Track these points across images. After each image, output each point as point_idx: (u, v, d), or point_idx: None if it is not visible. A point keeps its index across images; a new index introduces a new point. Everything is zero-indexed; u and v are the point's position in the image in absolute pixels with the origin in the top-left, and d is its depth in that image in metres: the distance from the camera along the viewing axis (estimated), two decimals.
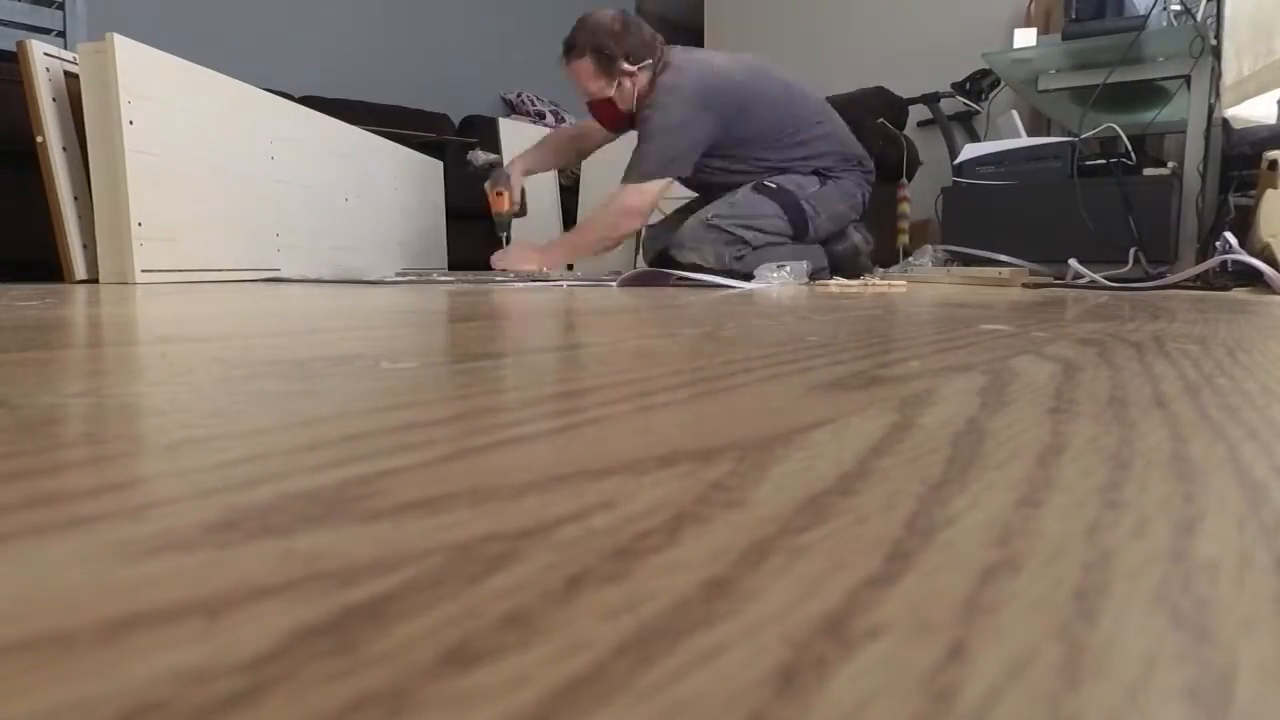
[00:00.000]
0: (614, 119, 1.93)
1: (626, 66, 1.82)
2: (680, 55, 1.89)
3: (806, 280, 1.73)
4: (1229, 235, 1.52)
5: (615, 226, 1.86)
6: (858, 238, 2.05)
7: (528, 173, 2.13)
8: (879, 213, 2.88)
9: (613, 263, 2.34)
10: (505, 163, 2.35)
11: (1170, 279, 1.57)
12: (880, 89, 3.07)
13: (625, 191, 1.83)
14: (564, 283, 1.57)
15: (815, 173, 1.95)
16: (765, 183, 1.88)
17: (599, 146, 2.15)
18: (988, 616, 0.11)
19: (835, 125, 2.03)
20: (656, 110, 1.80)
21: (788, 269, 1.65)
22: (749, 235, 1.83)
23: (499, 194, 2.04)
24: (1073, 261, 1.62)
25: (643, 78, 1.85)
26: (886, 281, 1.71)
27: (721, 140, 1.86)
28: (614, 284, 1.53)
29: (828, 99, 3.00)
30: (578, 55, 1.84)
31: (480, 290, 1.25)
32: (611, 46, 1.82)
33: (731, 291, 1.32)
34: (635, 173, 1.82)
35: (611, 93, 1.86)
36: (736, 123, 1.86)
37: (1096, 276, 1.61)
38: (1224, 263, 1.49)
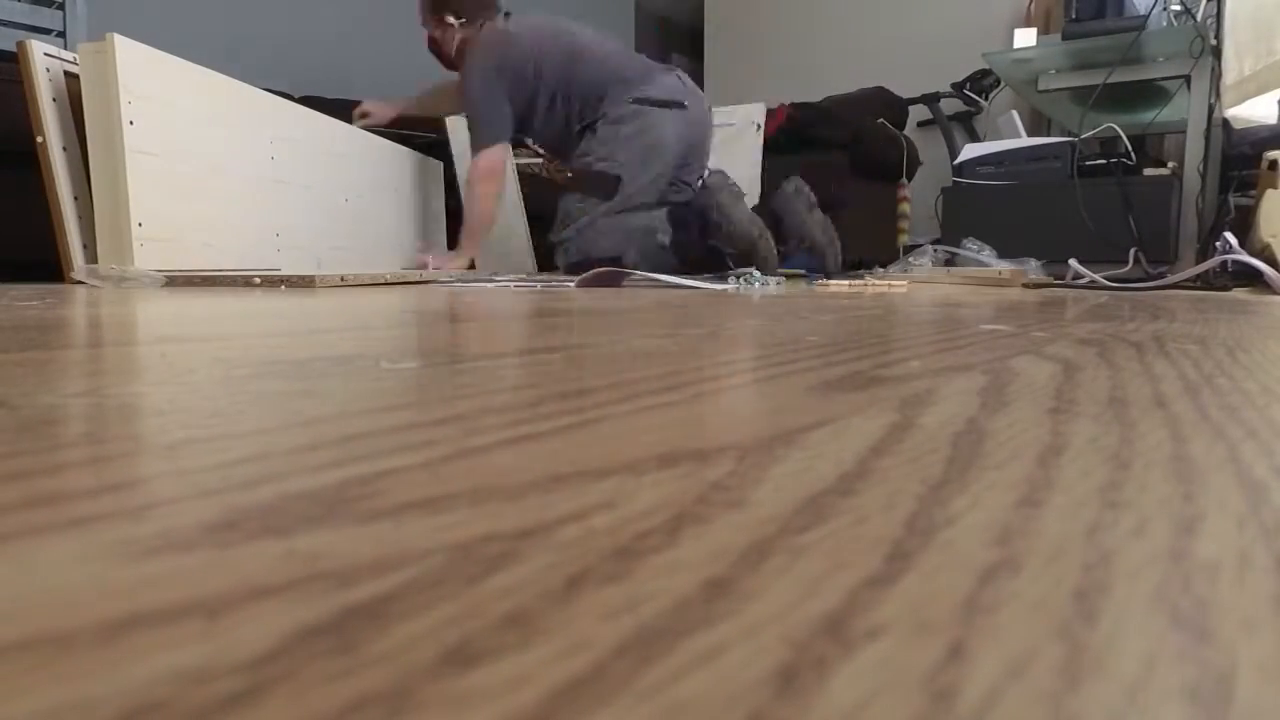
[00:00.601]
0: (444, 60, 2.11)
1: (449, 19, 2.01)
2: (494, 27, 2.02)
3: (778, 281, 1.73)
4: (1229, 235, 1.52)
5: (483, 195, 2.01)
6: (785, 187, 2.05)
7: (401, 113, 2.31)
8: (879, 212, 2.89)
9: (516, 264, 2.41)
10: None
11: (1171, 279, 1.57)
12: (880, 89, 3.07)
13: (474, 162, 2.01)
14: (510, 284, 1.57)
15: (581, 130, 2.04)
16: (567, 178, 2.05)
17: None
18: (988, 616, 0.11)
19: (591, 62, 2.06)
20: (464, 81, 1.99)
21: (756, 276, 1.66)
22: (567, 232, 1.98)
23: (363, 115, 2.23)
24: (1073, 261, 1.62)
25: (461, 34, 2.02)
26: (886, 281, 1.71)
27: (530, 111, 2.01)
28: (573, 284, 1.55)
29: (828, 99, 3.00)
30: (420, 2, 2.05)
31: (424, 292, 1.24)
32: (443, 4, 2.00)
33: (704, 290, 1.32)
34: (474, 143, 2.02)
35: (436, 33, 2.06)
36: (527, 89, 1.99)
37: (1096, 276, 1.61)
38: (1224, 263, 1.49)
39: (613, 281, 1.63)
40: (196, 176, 1.49)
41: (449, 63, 2.11)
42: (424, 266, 1.99)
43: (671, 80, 2.07)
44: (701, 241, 2.04)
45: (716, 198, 2.00)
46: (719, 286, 1.50)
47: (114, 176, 1.33)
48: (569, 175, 2.08)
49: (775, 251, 1.99)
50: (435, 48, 2.11)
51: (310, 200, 1.86)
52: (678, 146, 2.04)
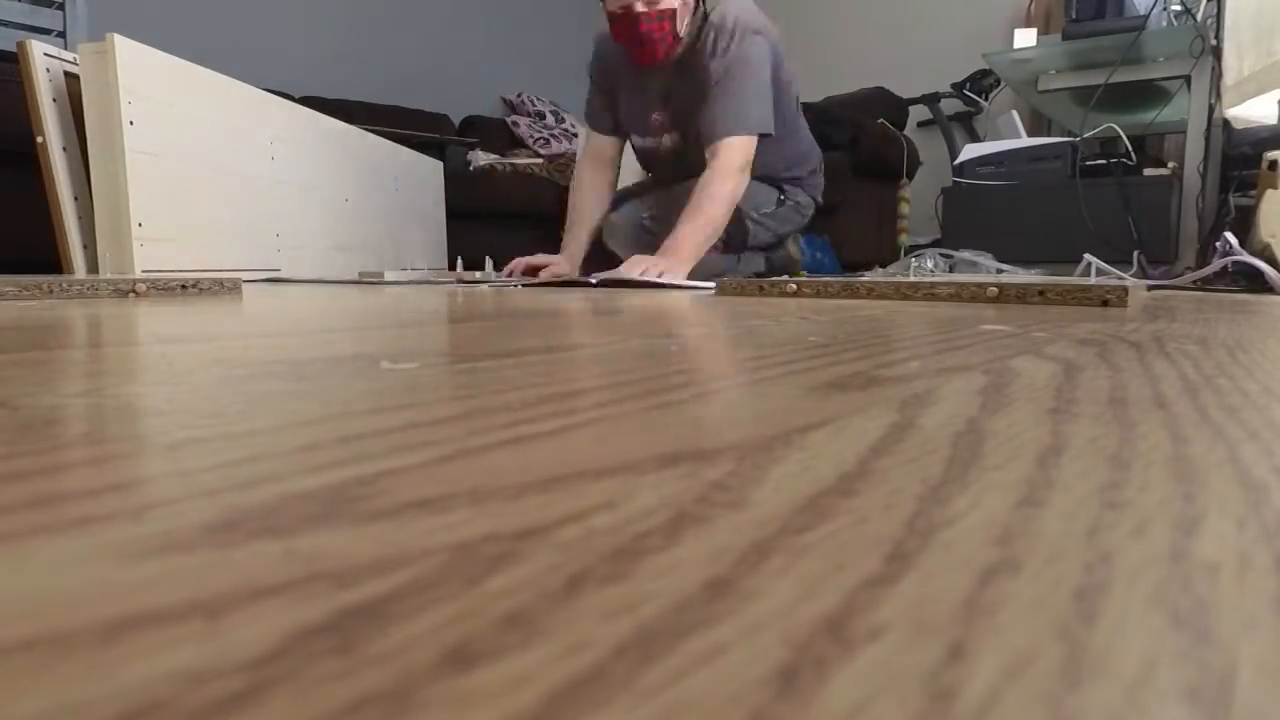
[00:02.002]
0: (666, 40, 1.64)
1: None
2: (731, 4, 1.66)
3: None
4: (1229, 235, 1.52)
5: (734, 183, 1.62)
6: (794, 249, 2.03)
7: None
8: (879, 213, 2.89)
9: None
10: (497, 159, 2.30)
11: (1184, 279, 1.57)
12: (880, 89, 3.07)
13: (727, 147, 1.58)
14: (517, 285, 1.54)
15: (777, 186, 1.91)
16: (783, 201, 1.88)
17: (618, 156, 1.95)
18: (988, 617, 0.11)
19: (803, 126, 1.98)
20: (742, 51, 1.58)
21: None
22: (763, 220, 1.83)
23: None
24: (1088, 256, 1.61)
25: (688, 10, 1.63)
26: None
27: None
28: (593, 280, 1.51)
29: (829, 98, 3.01)
30: None
31: (432, 292, 1.24)
32: None
33: (702, 293, 1.30)
34: (739, 124, 1.58)
35: (676, 3, 1.60)
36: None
37: (1122, 275, 1.61)
38: (1226, 263, 1.49)
39: (635, 282, 1.55)
40: (196, 176, 1.49)
41: (666, 46, 1.65)
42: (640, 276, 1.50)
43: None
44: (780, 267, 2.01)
45: (790, 270, 1.99)
46: (707, 286, 1.48)
47: (114, 176, 1.33)
48: (786, 202, 1.90)
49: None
50: (663, 27, 1.62)
51: (310, 200, 1.86)
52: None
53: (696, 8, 1.65)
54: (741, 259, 1.91)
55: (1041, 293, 0.95)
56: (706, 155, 1.63)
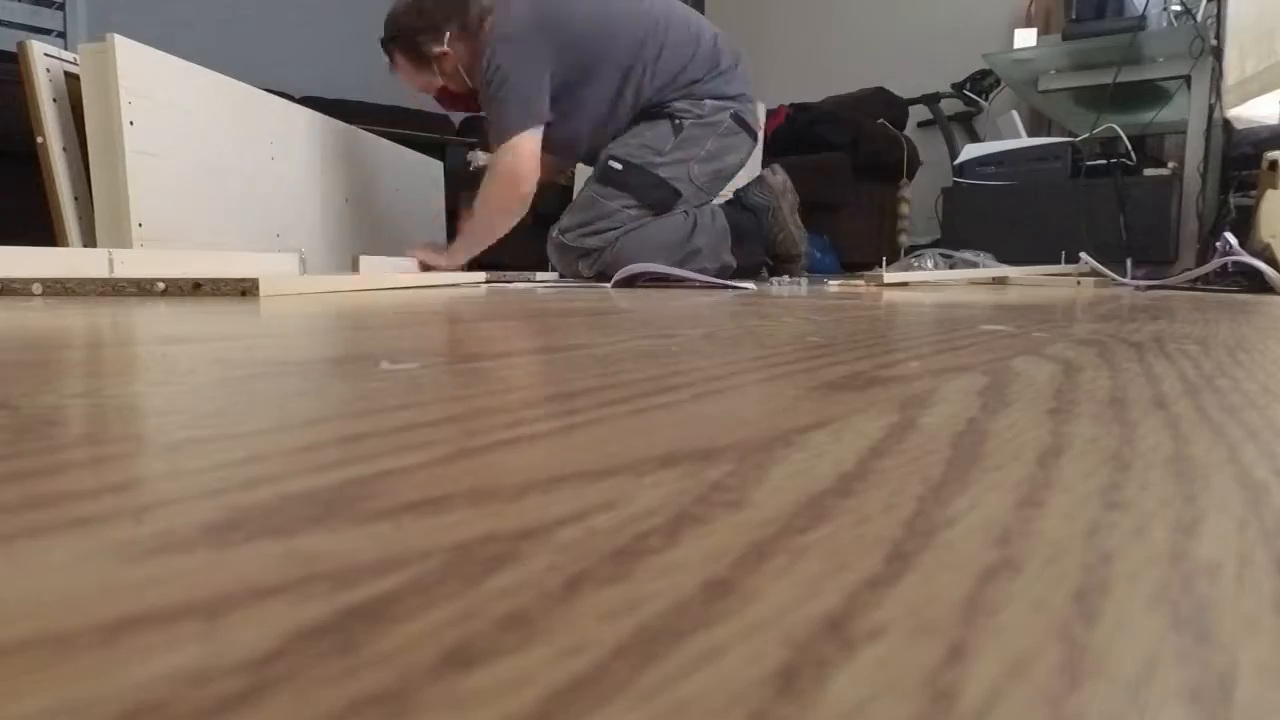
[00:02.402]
0: (460, 102, 1.77)
1: (436, 49, 1.65)
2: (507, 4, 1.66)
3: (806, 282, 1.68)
4: (1229, 235, 1.52)
5: (502, 198, 1.65)
6: (775, 179, 1.79)
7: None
8: (879, 213, 2.89)
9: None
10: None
11: (1180, 279, 1.57)
12: (881, 89, 3.07)
13: (497, 159, 1.64)
14: (538, 286, 1.53)
15: (664, 116, 1.68)
16: (610, 164, 1.67)
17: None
18: (988, 617, 0.11)
19: (677, 47, 1.70)
20: (490, 61, 1.60)
21: (787, 280, 1.60)
22: (596, 241, 1.67)
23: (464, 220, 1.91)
24: (1084, 255, 1.61)
25: (461, 48, 1.65)
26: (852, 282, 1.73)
27: (562, 81, 1.65)
28: (609, 286, 1.51)
29: (829, 99, 2.99)
30: (391, 57, 1.70)
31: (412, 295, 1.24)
32: (414, 32, 1.65)
33: (738, 292, 1.31)
34: (496, 134, 1.63)
35: (439, 80, 1.69)
36: (571, 47, 1.64)
37: (1116, 277, 1.60)
38: (1225, 263, 1.49)
39: (654, 281, 1.53)
40: (196, 176, 1.49)
41: (465, 102, 1.76)
42: (425, 268, 1.69)
43: (757, 108, 1.85)
44: (756, 246, 1.81)
45: (774, 200, 1.78)
46: (745, 285, 1.47)
47: (114, 177, 1.33)
48: (615, 165, 1.67)
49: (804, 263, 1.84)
50: (450, 97, 1.76)
51: (310, 200, 1.86)
52: (736, 181, 1.81)
53: (473, 36, 1.65)
54: (697, 227, 1.71)
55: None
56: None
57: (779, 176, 1.80)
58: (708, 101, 1.71)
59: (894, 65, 3.36)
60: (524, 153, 1.62)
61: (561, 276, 1.82)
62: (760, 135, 1.88)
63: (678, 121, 1.69)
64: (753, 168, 2.19)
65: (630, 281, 1.57)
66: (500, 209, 1.67)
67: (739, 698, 0.09)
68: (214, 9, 3.05)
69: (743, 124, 1.76)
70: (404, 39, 1.66)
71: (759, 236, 1.80)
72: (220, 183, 1.55)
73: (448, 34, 1.64)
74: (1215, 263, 1.49)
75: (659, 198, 1.69)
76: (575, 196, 1.77)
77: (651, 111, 1.70)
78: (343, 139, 2.03)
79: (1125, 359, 0.43)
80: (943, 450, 0.21)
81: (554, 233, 1.72)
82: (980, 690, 0.09)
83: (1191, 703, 0.09)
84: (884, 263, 1.91)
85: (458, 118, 3.41)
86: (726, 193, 1.90)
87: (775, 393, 0.30)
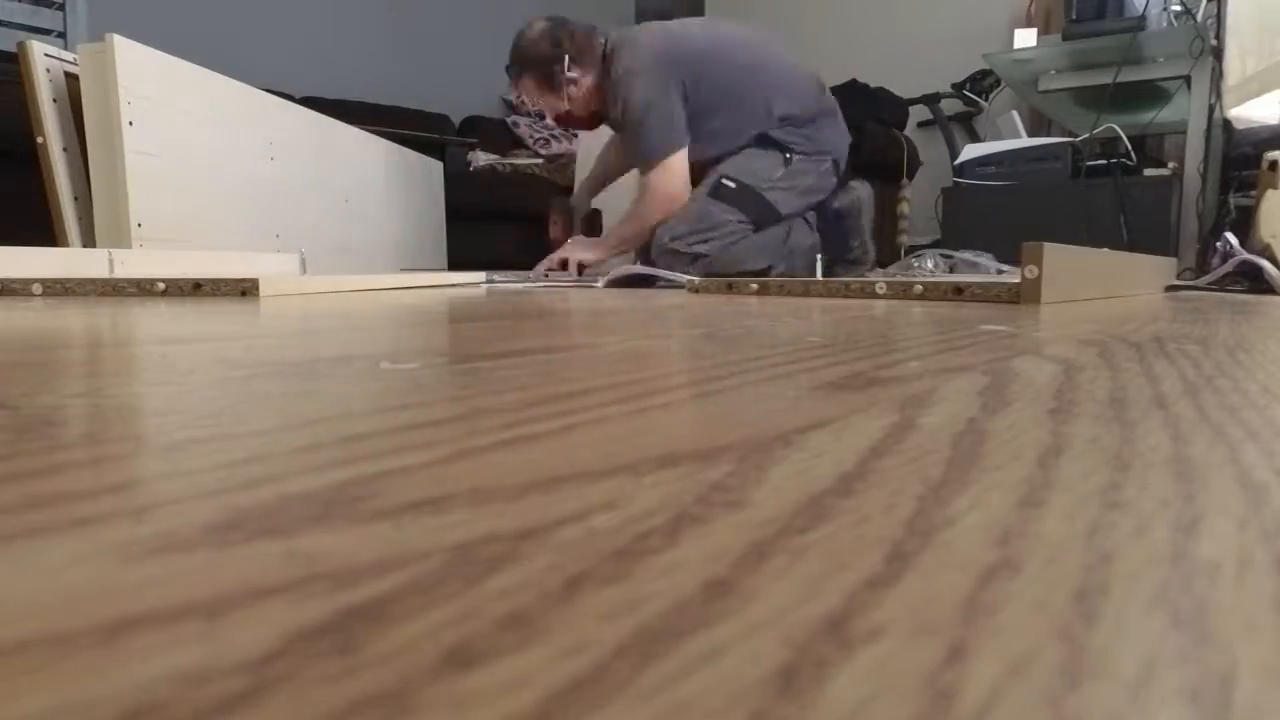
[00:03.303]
0: (582, 122, 1.96)
1: (568, 74, 1.82)
2: (623, 36, 1.86)
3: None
4: (1230, 235, 1.52)
5: (658, 213, 1.83)
6: (862, 192, 1.95)
7: (593, 194, 2.12)
8: (880, 213, 2.89)
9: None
10: (497, 159, 2.33)
11: (1200, 280, 1.57)
12: (881, 89, 3.07)
13: (651, 181, 1.81)
14: (537, 284, 1.58)
15: (776, 147, 1.86)
16: (723, 181, 1.83)
17: None
18: (988, 617, 0.11)
19: (794, 87, 1.89)
20: (622, 98, 1.79)
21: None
22: (705, 248, 1.81)
23: (555, 223, 2.07)
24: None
25: (588, 77, 1.84)
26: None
27: (694, 103, 1.82)
28: (599, 284, 1.55)
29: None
30: (519, 78, 1.88)
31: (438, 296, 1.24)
32: (545, 60, 1.82)
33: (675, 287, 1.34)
34: (643, 161, 1.82)
35: (565, 105, 1.86)
36: (700, 83, 1.81)
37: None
38: (1239, 262, 1.49)
39: (644, 282, 1.63)
40: (196, 176, 1.49)
41: (588, 123, 1.97)
42: (561, 266, 1.86)
43: (845, 147, 1.98)
44: (840, 251, 1.94)
45: (861, 210, 1.92)
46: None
47: (114, 177, 1.33)
48: (729, 184, 1.83)
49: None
50: (571, 120, 1.96)
51: (310, 200, 1.86)
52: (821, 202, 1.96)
53: (598, 62, 1.84)
54: (790, 235, 1.87)
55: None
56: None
57: (867, 190, 1.96)
58: (816, 140, 1.88)
59: (894, 66, 3.36)
60: (676, 171, 1.82)
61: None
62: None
63: (788, 155, 1.85)
64: None
65: (622, 281, 1.60)
66: (656, 220, 1.85)
67: (739, 698, 0.09)
68: (214, 9, 3.05)
69: (836, 167, 1.92)
70: (537, 66, 1.83)
71: (843, 241, 1.93)
72: (220, 183, 1.55)
73: (578, 64, 1.82)
74: (1231, 263, 1.49)
75: (762, 216, 1.85)
76: (685, 208, 1.89)
77: (765, 140, 1.86)
78: (343, 139, 2.03)
79: (1125, 359, 0.43)
80: (943, 450, 0.21)
81: (665, 238, 1.82)
82: (980, 690, 0.09)
83: (1191, 703, 0.09)
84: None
85: (458, 117, 3.42)
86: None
87: (775, 393, 0.30)
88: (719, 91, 1.82)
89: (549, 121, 3.54)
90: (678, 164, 1.80)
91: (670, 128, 1.80)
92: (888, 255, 2.47)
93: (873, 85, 3.14)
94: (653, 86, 1.78)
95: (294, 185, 1.79)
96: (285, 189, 1.76)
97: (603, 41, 1.85)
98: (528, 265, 2.03)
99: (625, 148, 1.90)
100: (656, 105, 1.78)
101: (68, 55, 1.45)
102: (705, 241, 1.81)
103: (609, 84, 1.82)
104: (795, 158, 1.86)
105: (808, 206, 1.91)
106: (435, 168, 2.59)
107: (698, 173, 1.87)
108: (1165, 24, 1.93)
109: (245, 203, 1.62)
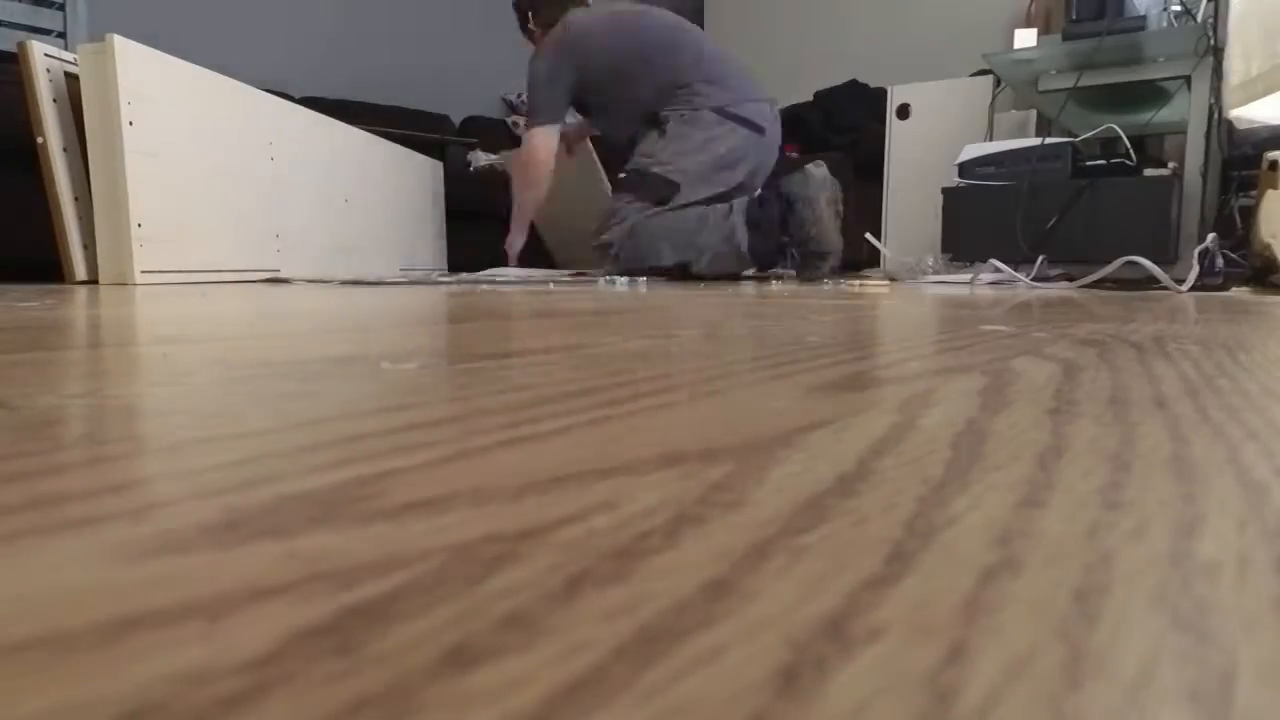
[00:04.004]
0: None
1: (531, 27, 2.12)
2: (567, 16, 2.05)
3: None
4: (1211, 235, 1.53)
5: (525, 181, 2.05)
6: (816, 173, 1.92)
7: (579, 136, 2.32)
8: (879, 213, 2.89)
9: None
10: (497, 160, 2.45)
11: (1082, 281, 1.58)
12: (882, 89, 3.07)
13: (523, 145, 2.06)
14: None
15: (653, 123, 2.00)
16: (620, 175, 2.01)
17: None
18: (988, 617, 0.11)
19: (668, 60, 2.01)
20: (530, 67, 2.02)
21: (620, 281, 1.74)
22: (609, 235, 1.95)
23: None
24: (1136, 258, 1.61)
25: (538, 35, 2.08)
26: (874, 282, 1.73)
27: (588, 96, 2.04)
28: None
29: (822, 91, 3.01)
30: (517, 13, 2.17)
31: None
32: (520, 9, 2.14)
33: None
34: (527, 124, 2.06)
35: (532, 47, 2.11)
36: (595, 75, 1.99)
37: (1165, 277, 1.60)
38: (1213, 263, 1.49)
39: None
40: (196, 177, 1.49)
41: None
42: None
43: (763, 107, 2.06)
44: (777, 238, 1.91)
45: (812, 192, 1.87)
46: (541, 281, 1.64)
47: (114, 177, 1.33)
48: (623, 175, 2.01)
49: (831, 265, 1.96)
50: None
51: (310, 200, 1.86)
52: (745, 168, 2.01)
53: (541, 27, 2.08)
54: (708, 225, 1.93)
55: None
56: None
57: (821, 171, 1.91)
58: (695, 100, 1.98)
59: (894, 65, 3.36)
60: (535, 145, 2.01)
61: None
62: (768, 129, 2.05)
63: (663, 126, 1.98)
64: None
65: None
66: (520, 187, 2.10)
67: (739, 698, 0.09)
68: (214, 9, 3.05)
69: (729, 116, 1.97)
70: (517, 9, 2.16)
71: (786, 227, 1.89)
72: (220, 183, 1.55)
73: (539, 18, 2.10)
74: (1115, 264, 1.50)
75: (659, 192, 1.94)
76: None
77: (649, 120, 2.02)
78: (343, 139, 2.03)
79: (1125, 359, 0.43)
80: (943, 450, 0.21)
81: (592, 241, 2.00)
82: (980, 690, 0.09)
83: (1191, 703, 0.09)
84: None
85: (458, 117, 3.42)
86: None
87: (775, 393, 0.30)
88: (607, 80, 2.00)
89: None
90: (538, 138, 2.00)
91: (543, 106, 2.01)
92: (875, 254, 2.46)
93: (873, 85, 3.14)
94: (544, 69, 2.00)
95: (294, 185, 1.79)
96: (285, 189, 1.76)
97: (565, 17, 2.04)
98: (529, 266, 2.13)
99: None
100: (539, 85, 2.00)
101: (68, 55, 1.44)
102: (608, 230, 1.95)
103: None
104: (669, 125, 1.96)
105: (715, 164, 1.94)
106: (435, 168, 2.59)
107: (619, 166, 2.06)
108: (1165, 24, 1.93)
109: (245, 203, 1.62)
